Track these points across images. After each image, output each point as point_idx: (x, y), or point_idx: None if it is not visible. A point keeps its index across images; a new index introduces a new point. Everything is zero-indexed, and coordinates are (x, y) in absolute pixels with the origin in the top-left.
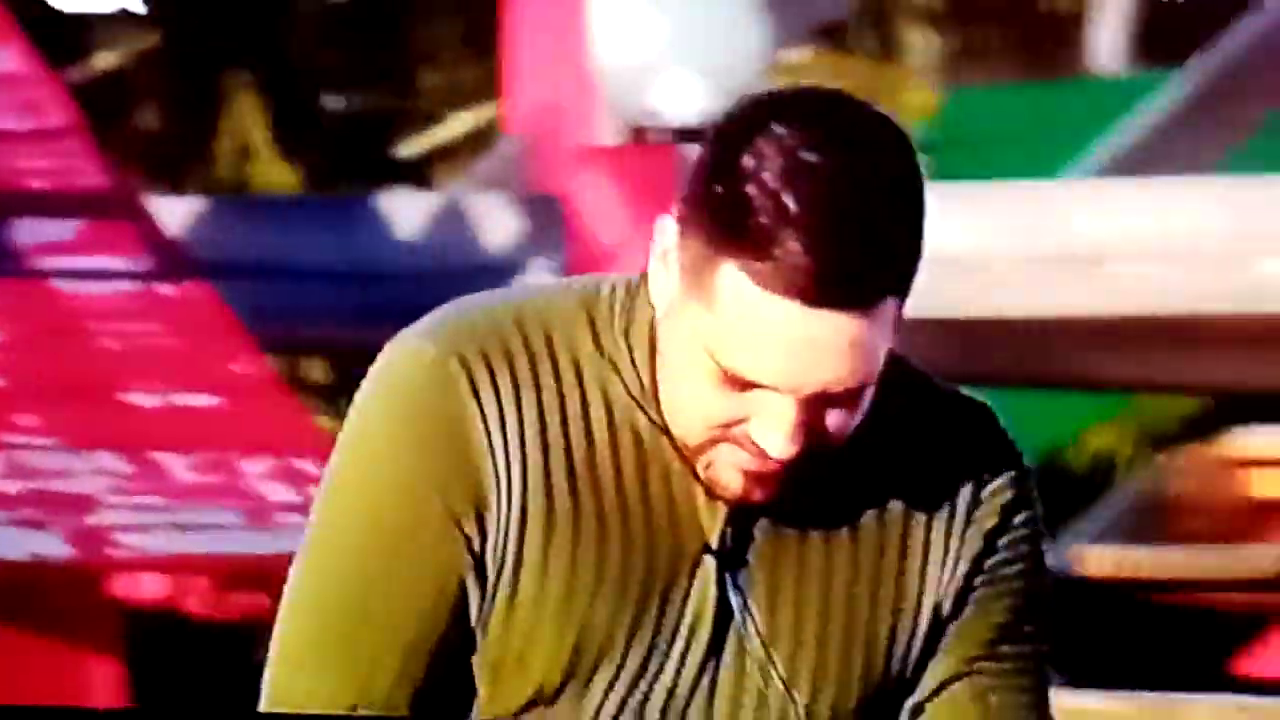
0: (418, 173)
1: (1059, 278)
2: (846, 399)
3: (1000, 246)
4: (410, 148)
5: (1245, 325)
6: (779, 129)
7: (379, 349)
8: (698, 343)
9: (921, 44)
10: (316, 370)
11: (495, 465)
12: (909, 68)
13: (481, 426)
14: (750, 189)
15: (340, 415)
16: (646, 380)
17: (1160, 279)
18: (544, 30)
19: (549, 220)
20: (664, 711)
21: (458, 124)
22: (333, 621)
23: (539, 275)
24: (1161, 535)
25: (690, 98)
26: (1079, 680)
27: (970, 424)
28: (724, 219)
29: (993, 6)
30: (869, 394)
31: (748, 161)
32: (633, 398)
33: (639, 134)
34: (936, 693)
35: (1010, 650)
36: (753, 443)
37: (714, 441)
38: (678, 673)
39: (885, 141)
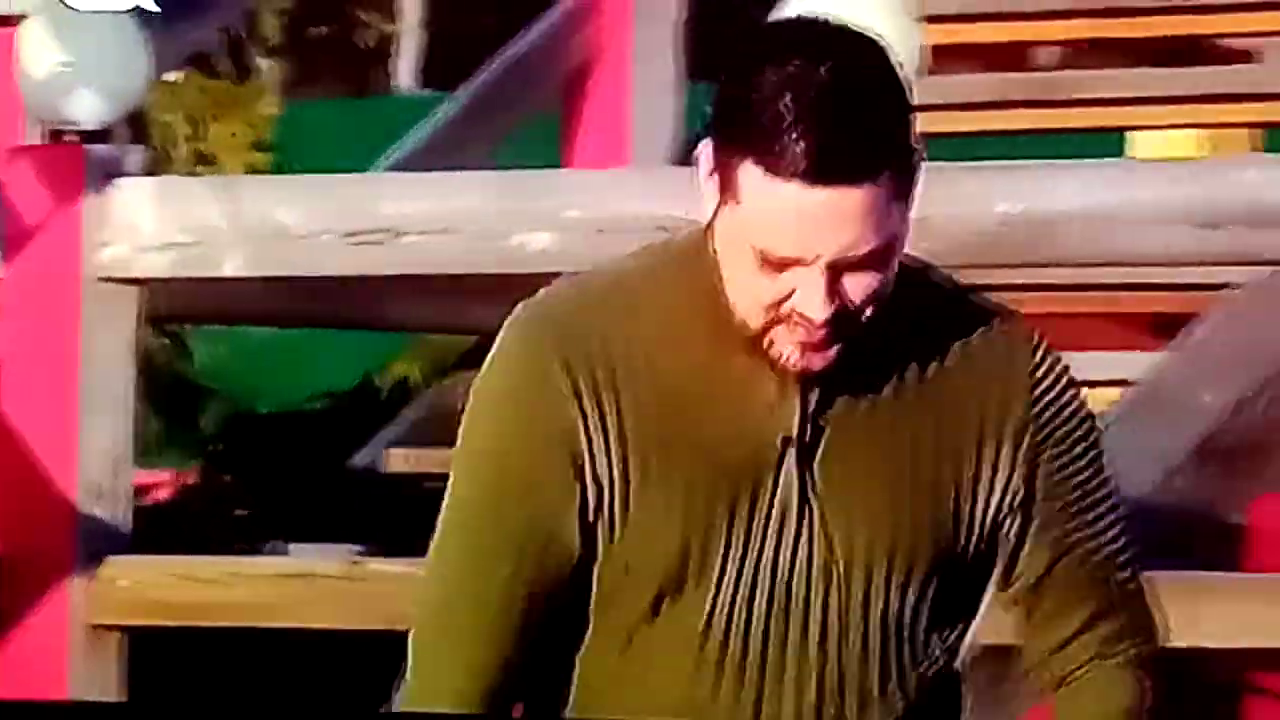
0: None
1: (368, 246)
2: (866, 264)
3: (325, 223)
4: None
5: (503, 282)
6: (771, 50)
7: None
8: (738, 237)
9: (267, 68)
10: None
11: (589, 431)
12: (259, 86)
13: (574, 406)
14: (756, 98)
15: None
16: (716, 298)
17: (442, 246)
18: None
19: None
20: (772, 590)
21: None
22: (454, 567)
23: None
24: (446, 441)
25: (92, 108)
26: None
27: (1008, 323)
28: (739, 128)
29: (320, 39)
30: (891, 263)
31: (753, 79)
32: (706, 320)
33: (56, 135)
34: (1049, 571)
35: (1093, 518)
36: (799, 314)
37: (770, 324)
38: (777, 552)
39: (863, 50)
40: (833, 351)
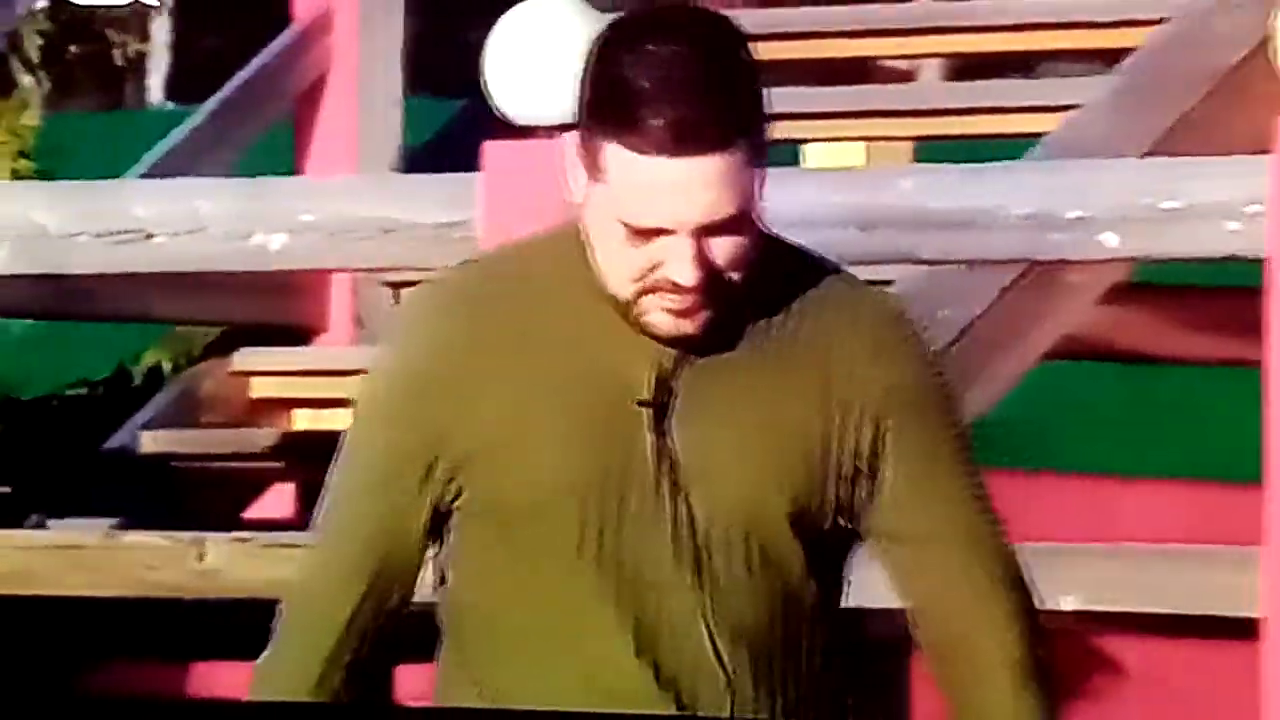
0: None
1: (122, 246)
2: (729, 229)
3: (82, 225)
4: None
5: (245, 278)
6: (625, 36)
7: None
8: (606, 214)
9: (30, 82)
10: None
11: (465, 391)
12: (23, 100)
13: (456, 363)
14: (613, 82)
15: None
16: (587, 273)
17: (189, 246)
18: None
19: None
20: (634, 537)
21: None
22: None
23: None
24: (193, 423)
25: None
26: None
27: (848, 284)
28: (600, 111)
29: (79, 57)
30: (751, 228)
31: (609, 65)
32: (580, 291)
33: None
34: (910, 518)
35: (937, 464)
36: (669, 281)
37: (641, 294)
38: (640, 503)
39: (711, 29)
40: (703, 316)
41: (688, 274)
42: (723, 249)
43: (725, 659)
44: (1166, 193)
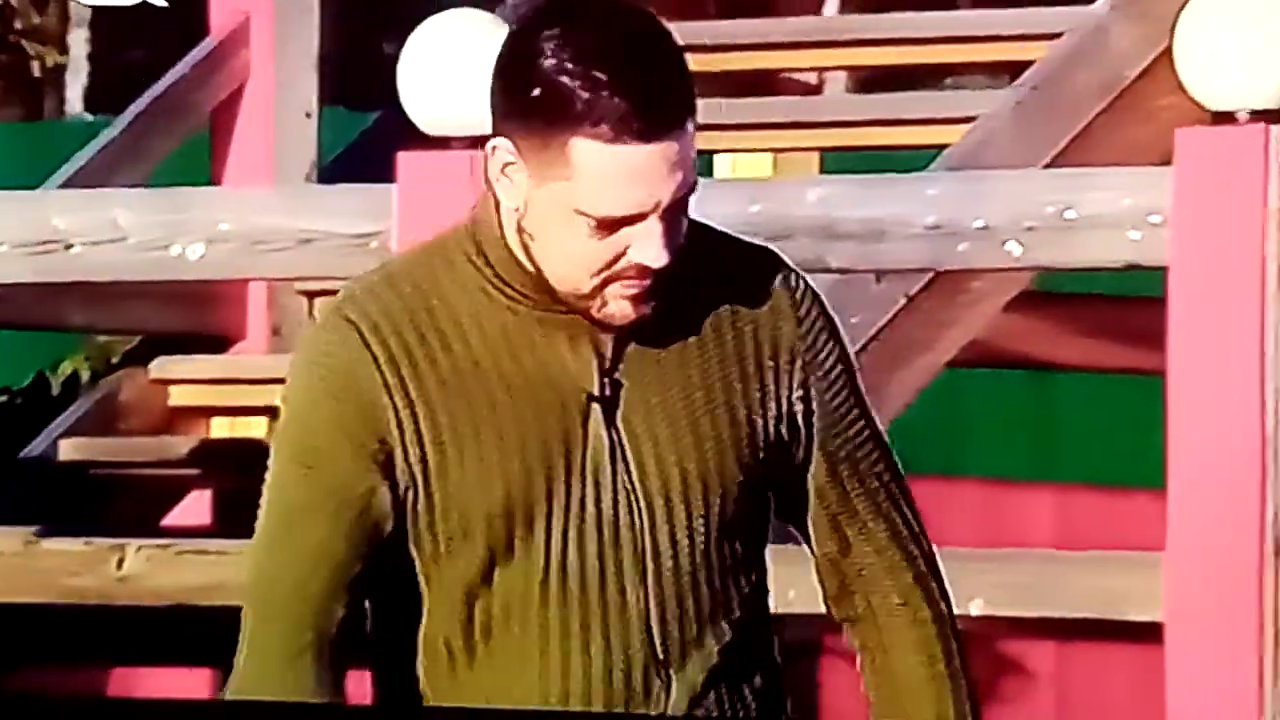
0: None
1: (41, 256)
2: (684, 206)
3: (2, 235)
4: None
5: (163, 287)
6: (553, 31)
7: None
8: (565, 211)
9: None
10: None
11: (391, 395)
12: None
13: (375, 370)
14: (563, 80)
15: None
16: (506, 275)
17: (108, 255)
18: None
19: None
20: (600, 538)
21: None
22: (273, 561)
23: None
24: (112, 431)
25: None
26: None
27: (767, 259)
28: (554, 111)
29: (1, 65)
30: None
31: (548, 63)
32: (496, 295)
33: None
34: (828, 482)
35: (856, 430)
36: (635, 266)
37: (603, 284)
38: (598, 502)
39: (637, 14)
40: (656, 298)
41: (659, 256)
42: (678, 228)
43: (669, 649)
44: (1069, 203)
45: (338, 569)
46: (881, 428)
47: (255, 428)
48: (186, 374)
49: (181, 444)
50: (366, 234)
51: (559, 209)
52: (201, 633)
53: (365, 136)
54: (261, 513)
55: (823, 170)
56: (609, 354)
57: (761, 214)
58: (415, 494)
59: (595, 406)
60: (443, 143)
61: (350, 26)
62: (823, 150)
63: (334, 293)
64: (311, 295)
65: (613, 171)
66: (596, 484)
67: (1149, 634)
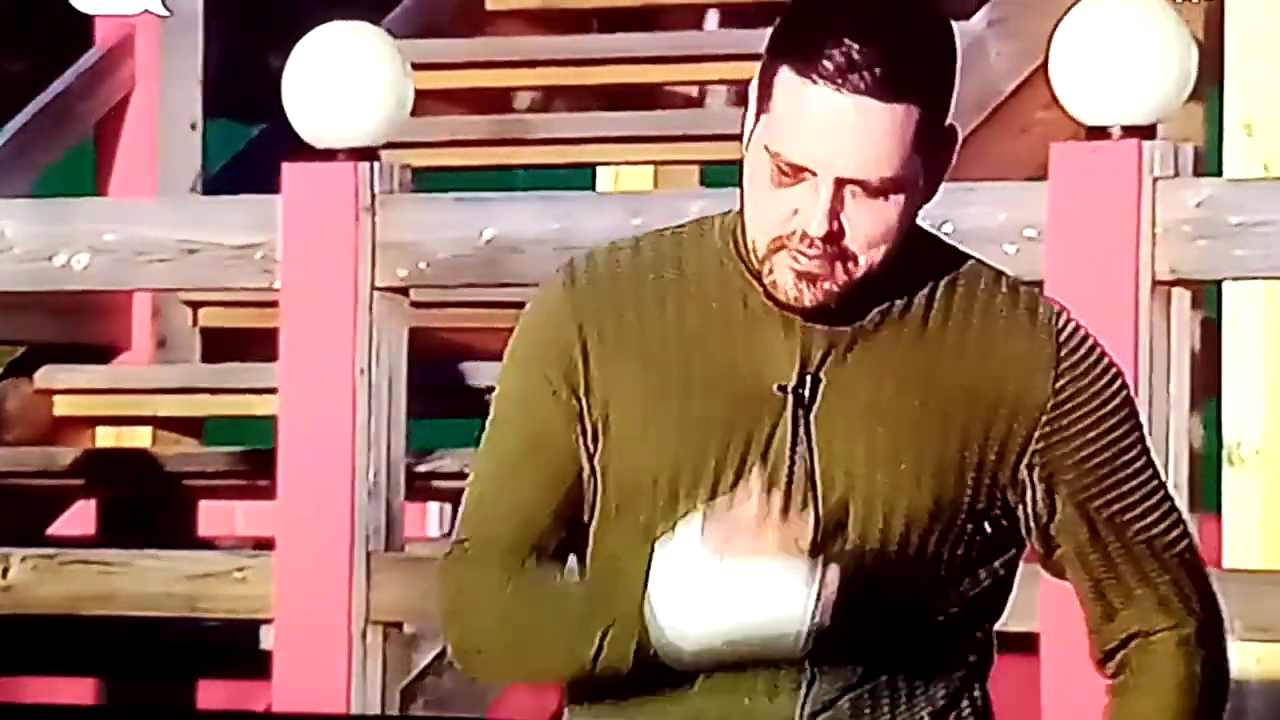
0: None
1: None
2: (874, 194)
3: None
4: None
5: (50, 298)
6: None
7: None
8: (761, 149)
9: None
10: None
11: (586, 352)
12: None
13: (572, 324)
14: (806, 9)
15: None
16: (739, 242)
17: None
18: None
19: None
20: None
21: None
22: (487, 472)
23: None
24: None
25: None
26: None
27: (1034, 300)
28: (783, 34)
29: None
30: (901, 208)
31: (797, 3)
32: (729, 266)
33: None
34: (1090, 542)
35: (1130, 489)
36: (800, 232)
37: (774, 250)
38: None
39: None
40: (828, 287)
41: (818, 223)
42: (863, 216)
43: (816, 660)
44: (945, 216)
45: (550, 486)
46: (1162, 484)
47: (140, 438)
48: (71, 384)
49: (66, 454)
50: (251, 245)
51: (759, 146)
52: (86, 642)
53: (250, 148)
54: (488, 433)
55: (704, 183)
56: (817, 350)
57: (643, 226)
58: (591, 455)
59: (789, 401)
60: (327, 154)
61: (235, 38)
62: (704, 163)
63: (219, 304)
64: (196, 306)
65: (801, 109)
66: (771, 479)
67: (1026, 645)
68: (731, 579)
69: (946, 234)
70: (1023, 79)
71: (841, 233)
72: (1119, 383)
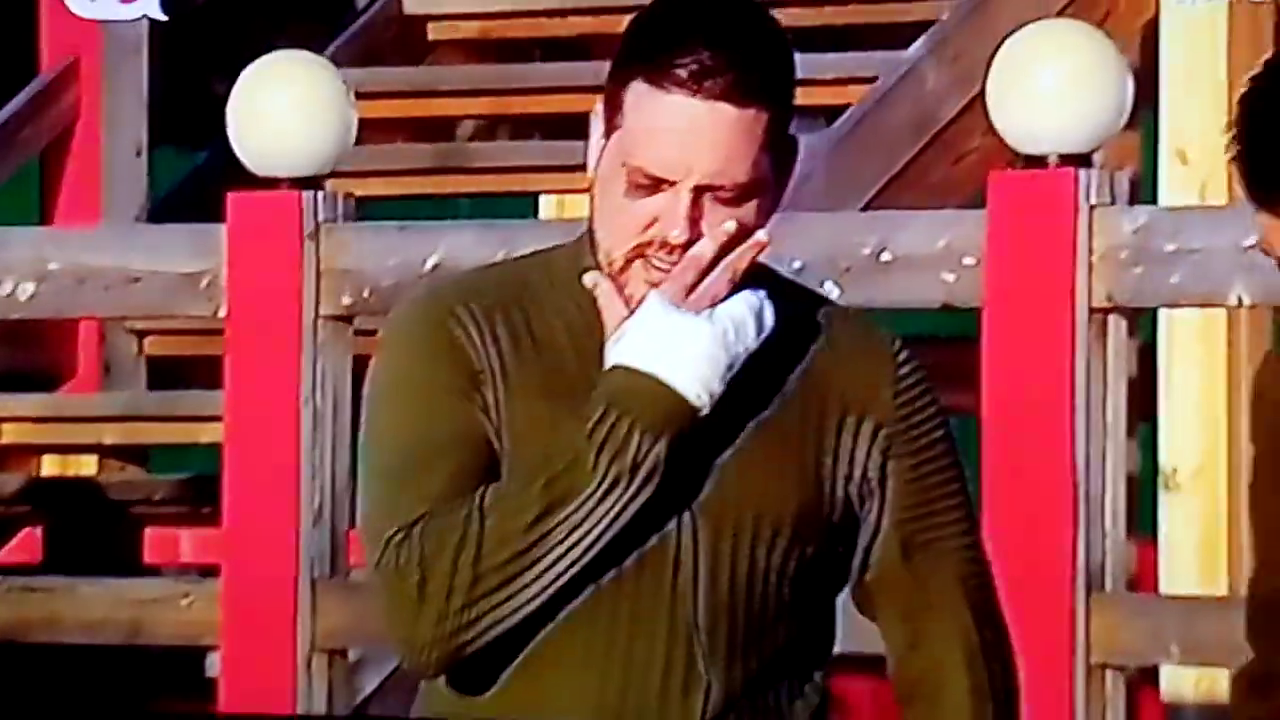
0: None
1: None
2: (730, 201)
3: None
4: None
5: None
6: None
7: None
8: (614, 163)
9: None
10: None
11: (479, 356)
12: None
13: (464, 337)
14: (649, 21)
15: None
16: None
17: None
18: None
19: None
20: (643, 548)
21: None
22: (398, 469)
23: None
24: None
25: None
26: None
27: (870, 325)
28: (632, 48)
29: None
30: (754, 216)
31: (654, 8)
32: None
33: None
34: (900, 562)
35: (946, 516)
36: (659, 241)
37: (630, 260)
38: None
39: (754, 7)
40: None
41: (680, 230)
42: (723, 220)
43: (708, 666)
44: (884, 243)
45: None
46: (972, 515)
47: (86, 465)
48: (17, 411)
49: (12, 481)
50: (195, 273)
51: (612, 161)
52: (30, 670)
53: (195, 176)
54: (374, 469)
55: None
56: None
57: None
58: (498, 434)
59: None
60: (271, 183)
61: (180, 66)
62: None
63: (164, 332)
64: (141, 334)
65: (656, 120)
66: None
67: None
68: (699, 321)
69: (884, 261)
70: (961, 106)
71: (699, 238)
72: (942, 413)
